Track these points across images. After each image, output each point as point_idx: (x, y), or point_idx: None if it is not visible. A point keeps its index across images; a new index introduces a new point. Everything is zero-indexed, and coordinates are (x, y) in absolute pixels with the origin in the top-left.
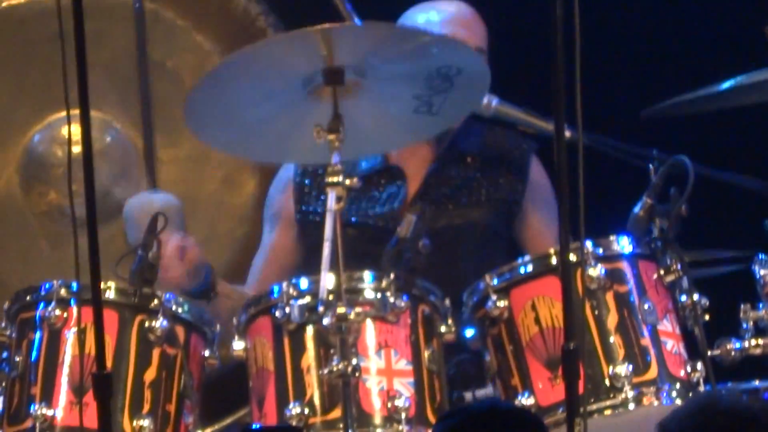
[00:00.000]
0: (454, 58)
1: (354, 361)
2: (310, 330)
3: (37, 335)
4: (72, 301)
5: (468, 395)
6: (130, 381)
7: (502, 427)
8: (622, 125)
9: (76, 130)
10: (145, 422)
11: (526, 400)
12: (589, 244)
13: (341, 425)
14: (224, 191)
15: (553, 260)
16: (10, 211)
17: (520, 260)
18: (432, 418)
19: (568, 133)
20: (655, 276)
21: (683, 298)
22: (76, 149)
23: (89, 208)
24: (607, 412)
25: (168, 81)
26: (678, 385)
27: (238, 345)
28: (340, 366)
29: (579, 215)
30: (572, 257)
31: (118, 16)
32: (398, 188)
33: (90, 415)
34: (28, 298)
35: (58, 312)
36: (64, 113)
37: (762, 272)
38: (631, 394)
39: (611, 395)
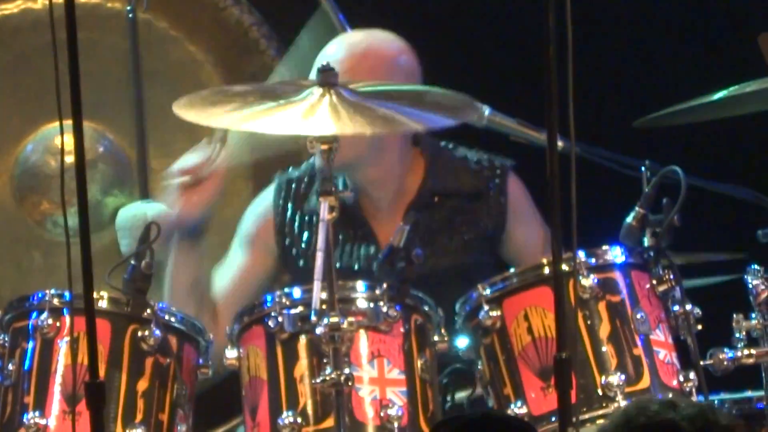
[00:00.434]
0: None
1: (347, 371)
2: (303, 339)
3: (30, 344)
4: (65, 311)
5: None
6: (122, 390)
7: None
8: (615, 135)
9: (68, 140)
10: None
11: (518, 410)
12: (581, 254)
13: None
14: (217, 201)
15: (546, 270)
16: (3, 220)
17: (512, 270)
18: (425, 428)
19: (560, 143)
20: (647, 286)
21: (676, 307)
22: (69, 159)
23: (82, 218)
24: (600, 421)
25: (161, 91)
26: (670, 395)
27: (231, 354)
28: (333, 375)
29: (571, 225)
30: (565, 267)
31: (111, 26)
32: (367, 248)
33: (83, 424)
34: (21, 307)
35: (50, 321)
36: (56, 123)
37: (754, 282)
38: (623, 403)
39: (603, 404)
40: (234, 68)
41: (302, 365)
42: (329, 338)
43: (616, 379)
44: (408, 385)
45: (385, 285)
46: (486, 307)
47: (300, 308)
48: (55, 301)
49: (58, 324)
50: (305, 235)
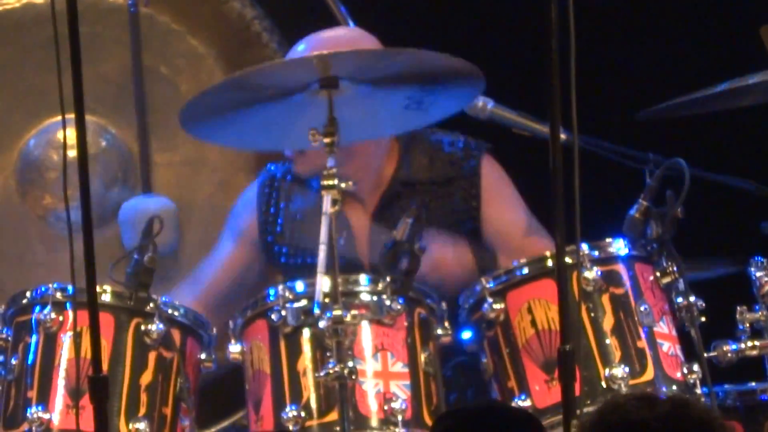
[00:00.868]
0: (442, 64)
1: (350, 364)
2: (306, 333)
3: (33, 339)
4: (68, 305)
5: None
6: (126, 384)
7: (500, 428)
8: (618, 127)
9: (71, 134)
10: (142, 425)
11: (522, 402)
12: (585, 246)
13: (338, 428)
14: (220, 195)
15: (549, 263)
16: (6, 214)
17: (516, 263)
18: (429, 421)
19: (563, 136)
20: (651, 278)
21: (679, 300)
22: (72, 153)
23: (85, 212)
24: None
25: (163, 85)
26: (675, 387)
27: (234, 348)
28: (337, 369)
29: (575, 218)
30: (568, 260)
31: (113, 20)
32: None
33: (86, 418)
34: (24, 301)
35: (54, 315)
36: (59, 117)
37: (758, 274)
38: None
39: (608, 397)
40: (236, 62)
41: (305, 359)
42: (332, 331)
43: (620, 371)
44: (412, 378)
45: (388, 278)
46: (489, 300)
47: (303, 302)
48: (58, 295)
49: (61, 318)
50: (288, 231)
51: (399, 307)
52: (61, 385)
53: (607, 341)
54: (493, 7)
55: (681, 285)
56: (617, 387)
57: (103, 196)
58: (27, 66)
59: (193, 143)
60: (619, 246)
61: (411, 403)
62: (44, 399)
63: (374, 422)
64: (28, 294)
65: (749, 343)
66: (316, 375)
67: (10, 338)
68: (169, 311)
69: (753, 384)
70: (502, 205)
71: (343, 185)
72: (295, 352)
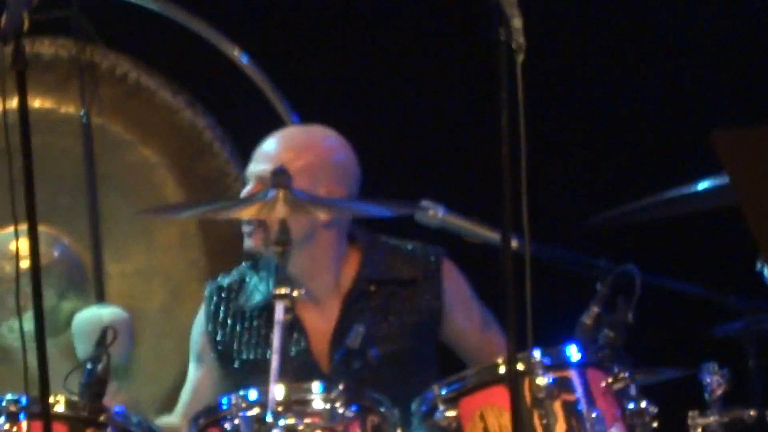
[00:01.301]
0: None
1: None
2: None
3: None
4: (21, 416)
5: None
6: None
7: None
8: (570, 234)
9: (24, 244)
10: None
11: None
12: (537, 353)
13: None
14: (173, 303)
15: (501, 370)
16: None
17: (468, 371)
18: None
19: (515, 243)
20: (603, 384)
21: (631, 405)
22: (24, 264)
23: (38, 322)
24: None
25: (116, 194)
26: None
27: None
28: None
29: (527, 324)
30: (520, 366)
31: (65, 130)
32: (298, 341)
33: None
34: None
35: (7, 426)
36: (11, 228)
37: (710, 379)
38: None
39: None
40: (188, 171)
41: None
42: None
43: None
44: None
45: (341, 386)
46: (442, 407)
47: (256, 410)
48: (11, 406)
49: (15, 429)
50: (238, 336)
51: (351, 414)
52: None
53: None
54: (443, 115)
55: (633, 390)
56: None
57: (56, 306)
58: None
59: (146, 253)
60: (571, 352)
61: None
62: None
63: None
64: None
65: None
66: None
67: None
68: (122, 421)
69: None
70: (463, 307)
71: (295, 293)
72: None
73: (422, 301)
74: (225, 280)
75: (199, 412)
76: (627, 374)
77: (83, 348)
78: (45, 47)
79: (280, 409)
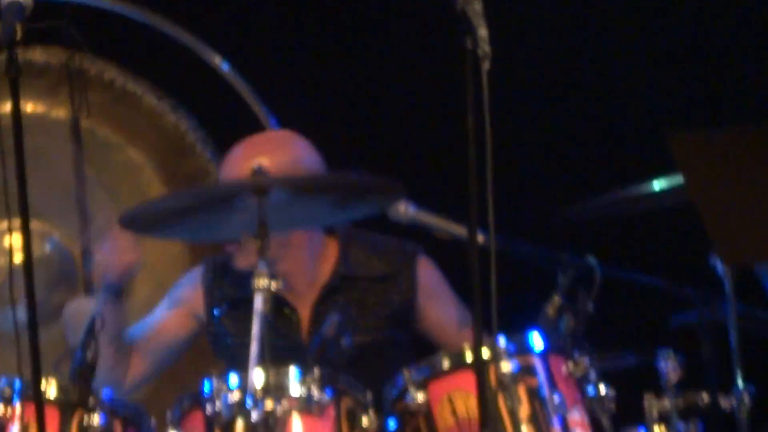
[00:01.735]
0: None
1: None
2: (240, 424)
3: None
4: (15, 399)
5: None
6: None
7: None
8: (533, 228)
9: (17, 239)
10: None
11: None
12: (502, 340)
13: None
14: (158, 294)
15: (468, 356)
16: None
17: (437, 356)
18: None
19: (481, 238)
20: (564, 369)
21: (591, 389)
22: (18, 258)
23: (30, 312)
24: None
25: (103, 192)
26: None
27: None
28: None
29: (492, 314)
30: (486, 353)
31: (56, 133)
32: (290, 322)
33: None
34: None
35: (2, 409)
36: (5, 224)
37: (665, 365)
38: None
39: None
40: (172, 170)
41: None
42: (264, 423)
43: None
44: None
45: (316, 371)
46: (412, 391)
47: (236, 394)
48: (6, 390)
49: (9, 411)
50: (233, 315)
51: (327, 398)
52: None
53: (523, 429)
54: (415, 116)
55: (592, 375)
56: None
57: (47, 296)
58: None
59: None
60: (534, 340)
61: None
62: None
63: None
64: None
65: (657, 429)
66: None
67: None
68: (111, 404)
69: None
70: (437, 300)
71: (272, 286)
72: None
73: (395, 295)
74: (219, 260)
75: (182, 395)
76: (587, 360)
77: (73, 336)
78: (37, 55)
79: (259, 393)
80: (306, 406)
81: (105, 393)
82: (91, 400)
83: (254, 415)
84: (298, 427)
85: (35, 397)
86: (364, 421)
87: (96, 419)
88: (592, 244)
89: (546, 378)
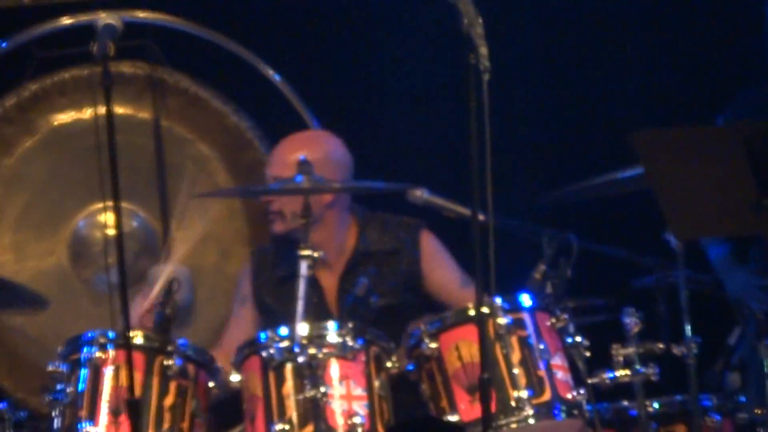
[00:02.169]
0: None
1: (322, 389)
2: (289, 366)
3: (83, 371)
4: (109, 346)
5: None
6: (153, 406)
7: None
8: (524, 209)
9: (110, 217)
10: None
11: (452, 417)
12: (498, 300)
13: None
14: (223, 262)
15: (471, 312)
16: (62, 278)
17: (447, 313)
18: (382, 431)
19: (481, 217)
20: (548, 323)
21: (569, 339)
22: (111, 232)
23: (121, 275)
24: (513, 425)
25: (179, 179)
26: (565, 406)
27: (234, 378)
28: (312, 393)
29: (490, 278)
30: (486, 310)
31: (141, 131)
32: (318, 300)
33: (124, 431)
34: (76, 344)
35: (99, 354)
36: (101, 204)
37: (627, 320)
38: (531, 412)
39: (516, 413)
40: (234, 162)
41: (288, 385)
42: (308, 365)
43: (525, 393)
44: (369, 400)
45: (350, 324)
46: (426, 341)
47: (286, 342)
48: (102, 338)
49: (104, 356)
50: (277, 291)
51: (358, 346)
52: (105, 407)
53: (515, 371)
54: (430, 118)
55: (570, 328)
56: (523, 405)
57: (134, 263)
58: (77, 165)
59: (201, 223)
60: (524, 299)
61: (368, 419)
62: (92, 417)
63: None
64: (79, 338)
65: (622, 372)
66: (297, 398)
67: (65, 371)
68: (186, 351)
69: (625, 403)
70: (440, 267)
71: (315, 254)
72: (280, 380)
73: (404, 265)
74: (265, 246)
75: (243, 344)
76: (566, 316)
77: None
78: (126, 67)
79: (304, 342)
80: (342, 352)
81: (181, 341)
82: (170, 347)
83: (300, 359)
84: (335, 368)
85: (125, 344)
86: (389, 364)
87: (173, 363)
88: (571, 222)
89: (534, 330)
